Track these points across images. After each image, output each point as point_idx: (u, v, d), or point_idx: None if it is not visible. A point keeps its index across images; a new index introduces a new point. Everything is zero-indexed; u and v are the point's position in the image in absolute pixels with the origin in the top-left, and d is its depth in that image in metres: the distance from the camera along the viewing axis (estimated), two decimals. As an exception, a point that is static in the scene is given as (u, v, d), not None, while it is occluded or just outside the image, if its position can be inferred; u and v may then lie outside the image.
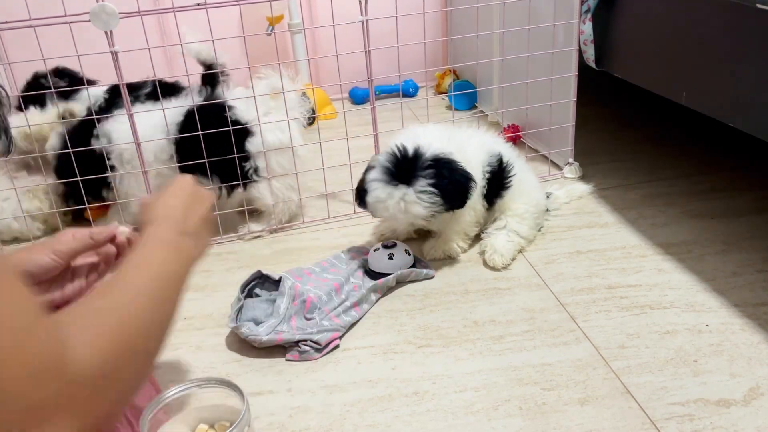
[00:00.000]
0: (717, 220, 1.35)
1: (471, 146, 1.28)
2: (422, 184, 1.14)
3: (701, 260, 1.21)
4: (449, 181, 1.16)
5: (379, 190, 1.16)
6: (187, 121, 1.35)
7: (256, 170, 1.39)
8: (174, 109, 1.37)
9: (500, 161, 1.30)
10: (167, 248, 0.68)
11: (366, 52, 1.40)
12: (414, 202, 1.15)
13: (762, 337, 1.00)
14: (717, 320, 1.05)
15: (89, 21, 1.20)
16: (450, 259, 1.30)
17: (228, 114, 1.35)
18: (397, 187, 1.15)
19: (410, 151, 1.16)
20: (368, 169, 1.21)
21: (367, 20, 1.37)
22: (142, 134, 1.33)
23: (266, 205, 1.44)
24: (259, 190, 1.42)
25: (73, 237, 0.78)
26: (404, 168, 1.15)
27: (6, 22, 1.22)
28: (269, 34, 2.00)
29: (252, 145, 1.37)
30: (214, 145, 1.35)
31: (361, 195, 1.23)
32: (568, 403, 0.90)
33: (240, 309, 1.11)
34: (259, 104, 1.36)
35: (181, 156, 1.37)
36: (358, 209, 1.51)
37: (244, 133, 1.37)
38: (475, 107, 2.14)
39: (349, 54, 1.45)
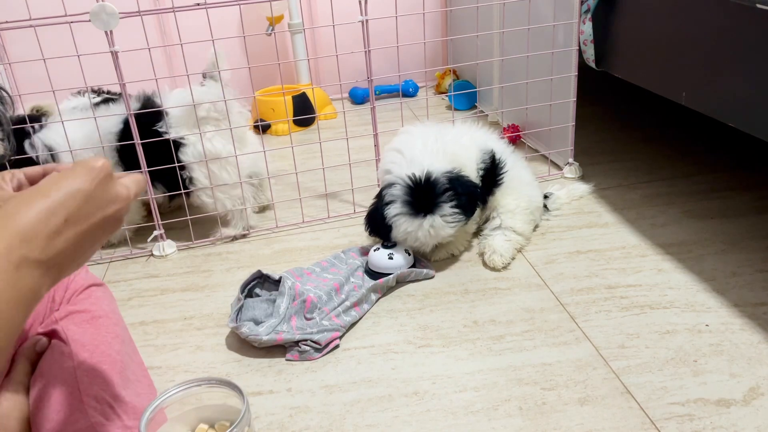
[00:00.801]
0: (717, 220, 1.35)
1: (465, 145, 1.30)
2: (446, 208, 1.18)
3: (701, 260, 1.21)
4: (465, 195, 1.20)
5: (406, 224, 1.20)
6: (126, 129, 1.33)
7: (190, 180, 1.39)
8: (112, 119, 1.34)
9: (493, 158, 1.31)
10: None
11: (366, 52, 1.40)
12: (442, 227, 1.19)
13: (762, 337, 1.00)
14: (717, 320, 1.05)
15: (89, 21, 1.21)
16: (450, 260, 1.30)
17: (158, 125, 1.34)
18: (424, 217, 1.19)
19: (423, 179, 1.19)
20: (386, 204, 1.21)
21: (367, 20, 1.38)
22: (82, 143, 1.33)
23: (218, 212, 1.43)
24: (200, 198, 1.42)
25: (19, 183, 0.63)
26: (424, 197, 1.18)
27: (6, 22, 1.22)
28: (269, 34, 2.00)
29: (185, 155, 1.36)
30: (152, 154, 1.33)
31: (382, 229, 1.24)
32: (568, 403, 0.90)
33: (240, 309, 1.11)
34: (198, 113, 1.34)
35: (126, 164, 1.35)
36: (359, 209, 1.52)
37: (176, 143, 1.35)
38: (475, 107, 2.14)
39: (349, 54, 1.45)
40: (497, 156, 1.32)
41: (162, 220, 1.41)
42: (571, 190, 1.50)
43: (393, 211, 1.20)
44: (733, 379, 0.92)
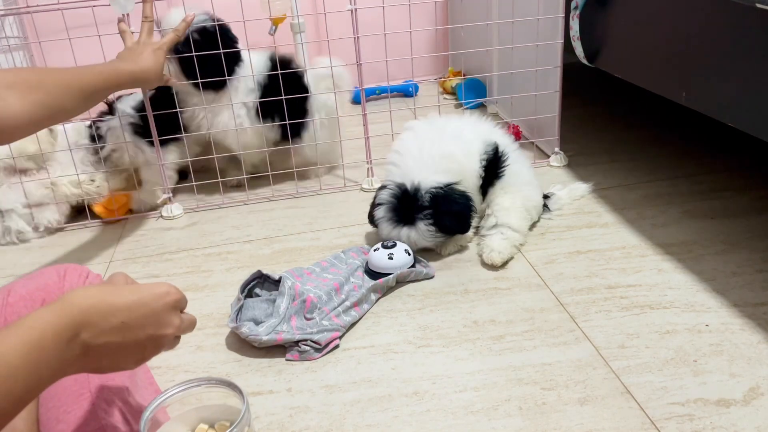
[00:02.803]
0: (717, 220, 1.35)
1: (468, 139, 1.31)
2: (421, 225, 1.25)
3: (701, 260, 1.21)
4: (449, 215, 1.24)
5: (388, 229, 1.28)
6: (270, 79, 1.55)
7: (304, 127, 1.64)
8: (260, 66, 1.56)
9: (496, 150, 1.32)
10: (41, 343, 0.52)
11: (355, 38, 1.48)
12: (419, 239, 1.27)
13: (762, 337, 1.00)
14: (717, 320, 1.05)
15: (109, 5, 1.35)
16: (450, 260, 1.30)
17: (299, 77, 1.60)
18: (402, 227, 1.26)
19: (411, 191, 1.24)
20: (376, 204, 1.30)
21: (355, 9, 1.44)
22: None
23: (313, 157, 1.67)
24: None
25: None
26: (405, 209, 1.25)
27: (36, 6, 1.48)
28: (272, 35, 2.00)
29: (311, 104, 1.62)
30: (288, 104, 1.56)
31: (373, 223, 1.33)
32: (568, 403, 0.90)
33: (240, 309, 1.11)
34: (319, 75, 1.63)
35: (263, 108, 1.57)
36: (348, 183, 1.57)
37: (305, 93, 1.60)
38: (484, 106, 2.14)
39: (347, 48, 1.49)
40: (500, 148, 1.33)
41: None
42: (572, 190, 1.50)
43: (379, 213, 1.28)
44: (733, 379, 0.92)
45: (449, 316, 1.12)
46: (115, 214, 1.57)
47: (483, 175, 1.32)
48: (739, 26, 1.02)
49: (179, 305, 0.64)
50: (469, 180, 1.30)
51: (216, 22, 1.48)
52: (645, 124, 1.92)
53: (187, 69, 1.47)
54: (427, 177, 1.25)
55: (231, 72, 1.52)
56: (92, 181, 1.54)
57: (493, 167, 1.33)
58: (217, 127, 1.57)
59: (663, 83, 1.25)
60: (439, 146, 1.28)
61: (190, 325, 0.66)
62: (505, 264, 1.25)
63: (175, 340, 0.64)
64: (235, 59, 1.52)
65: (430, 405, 0.92)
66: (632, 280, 1.17)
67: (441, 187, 1.24)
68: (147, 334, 0.60)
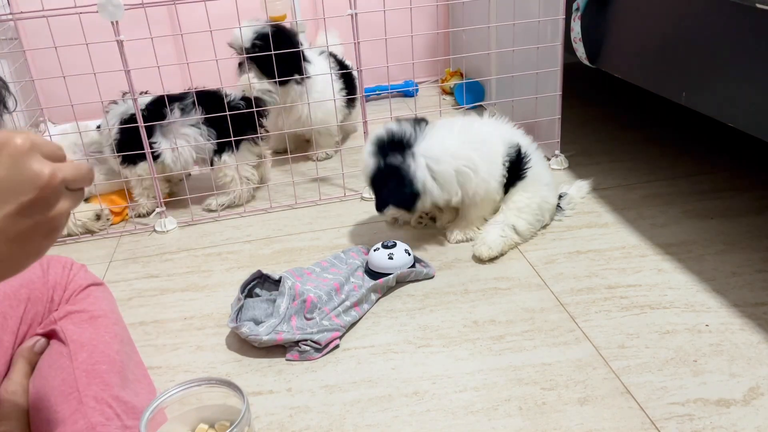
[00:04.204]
0: (717, 220, 1.35)
1: (492, 139, 1.32)
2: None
3: (701, 260, 1.21)
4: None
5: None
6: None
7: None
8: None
9: (518, 151, 1.33)
10: None
11: (355, 43, 1.46)
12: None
13: (762, 337, 1.00)
14: (716, 320, 1.05)
15: (97, 12, 1.31)
16: (450, 260, 1.30)
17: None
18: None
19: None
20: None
21: (355, 14, 1.43)
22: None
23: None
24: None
25: None
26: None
27: (21, 12, 1.42)
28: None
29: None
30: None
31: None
32: (568, 403, 0.90)
33: (240, 309, 1.11)
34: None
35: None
36: (349, 193, 1.59)
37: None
38: (482, 107, 2.14)
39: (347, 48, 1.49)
40: (522, 150, 1.34)
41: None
42: (580, 188, 1.50)
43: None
44: (733, 379, 0.92)
45: (449, 316, 1.12)
46: (123, 216, 1.59)
47: (506, 175, 1.32)
48: (739, 26, 1.02)
49: (25, 149, 0.45)
50: (485, 184, 1.30)
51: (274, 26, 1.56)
52: (645, 124, 1.92)
53: (263, 68, 1.56)
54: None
55: (301, 70, 1.60)
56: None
57: (515, 168, 1.33)
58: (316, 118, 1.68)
59: (663, 83, 1.25)
60: (470, 135, 1.30)
61: (75, 170, 0.47)
62: (491, 260, 1.25)
63: (76, 192, 0.47)
64: (298, 57, 1.57)
65: (430, 405, 0.92)
66: (632, 280, 1.17)
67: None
68: (14, 206, 0.44)
